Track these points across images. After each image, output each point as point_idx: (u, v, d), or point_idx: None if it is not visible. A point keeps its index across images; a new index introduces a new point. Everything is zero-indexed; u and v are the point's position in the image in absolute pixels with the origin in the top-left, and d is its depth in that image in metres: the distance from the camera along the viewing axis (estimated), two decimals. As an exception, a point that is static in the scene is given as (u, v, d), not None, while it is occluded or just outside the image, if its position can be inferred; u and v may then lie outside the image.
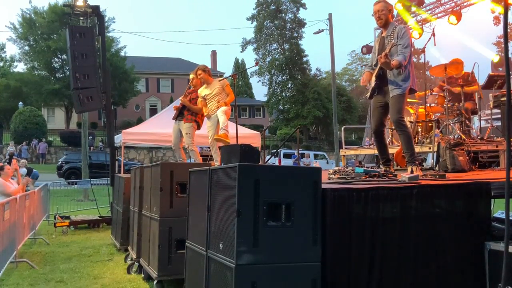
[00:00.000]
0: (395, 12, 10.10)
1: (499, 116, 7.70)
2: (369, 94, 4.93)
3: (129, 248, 6.23)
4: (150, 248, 4.86)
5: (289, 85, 44.18)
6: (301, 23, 44.38)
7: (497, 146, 6.38)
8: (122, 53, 40.28)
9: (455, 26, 9.91)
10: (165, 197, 4.54)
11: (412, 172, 4.46)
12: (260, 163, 6.19)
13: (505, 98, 6.94)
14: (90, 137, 28.31)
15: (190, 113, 7.54)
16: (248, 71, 52.58)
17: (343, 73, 56.34)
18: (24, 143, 30.01)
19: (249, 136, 12.07)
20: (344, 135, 11.45)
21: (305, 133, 42.90)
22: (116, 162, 10.11)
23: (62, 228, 8.72)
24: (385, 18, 4.75)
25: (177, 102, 8.39)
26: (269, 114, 45.53)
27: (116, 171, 9.85)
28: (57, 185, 13.12)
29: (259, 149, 8.45)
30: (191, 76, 7.70)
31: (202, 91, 7.06)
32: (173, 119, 7.71)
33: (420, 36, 10.57)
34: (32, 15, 37.33)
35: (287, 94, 44.32)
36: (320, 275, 2.91)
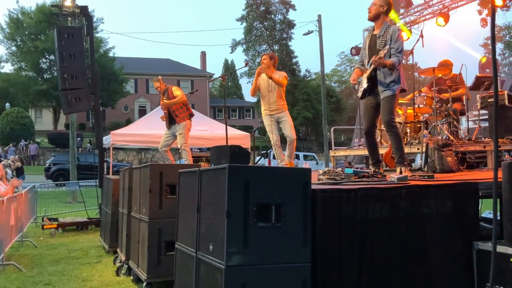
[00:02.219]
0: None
1: (487, 117, 7.80)
2: (360, 94, 4.95)
3: (118, 250, 6.18)
4: (139, 250, 4.83)
5: (279, 86, 44.12)
6: (290, 24, 44.53)
7: (484, 147, 6.45)
8: (111, 54, 40.09)
9: (443, 28, 10.01)
10: (154, 198, 4.52)
11: (401, 172, 4.49)
12: (250, 164, 6.20)
13: (492, 99, 7.02)
14: (78, 139, 28.11)
15: (179, 112, 7.58)
16: (238, 72, 52.64)
17: (332, 74, 56.60)
18: (11, 144, 29.69)
19: (239, 137, 12.08)
20: (333, 136, 11.51)
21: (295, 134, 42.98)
22: (105, 163, 10.05)
23: (50, 230, 8.63)
24: (374, 12, 4.75)
25: (159, 113, 8.46)
26: (259, 115, 45.53)
27: (105, 173, 9.78)
28: (45, 187, 13.01)
29: (249, 150, 8.45)
30: (157, 84, 7.85)
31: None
32: (166, 128, 7.76)
33: (408, 38, 10.66)
34: (20, 16, 36.97)
35: (277, 95, 44.25)
36: (310, 276, 2.91)
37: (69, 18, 9.85)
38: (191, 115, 7.73)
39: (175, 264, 3.76)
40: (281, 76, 6.51)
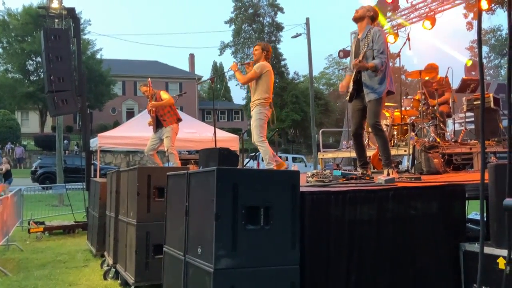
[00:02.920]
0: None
1: (473, 119, 7.88)
2: (348, 97, 4.99)
3: (105, 253, 6.13)
4: (127, 254, 4.79)
5: (268, 89, 44.21)
6: (279, 27, 44.65)
7: (470, 149, 6.52)
8: (98, 56, 39.79)
9: (430, 31, 10.11)
10: (142, 201, 4.49)
11: (388, 174, 4.52)
12: (238, 167, 6.19)
13: (478, 102, 7.11)
14: (65, 141, 27.81)
15: (166, 116, 7.57)
16: (227, 75, 52.55)
17: (320, 77, 56.86)
18: (-4, 147, 29.32)
19: (228, 140, 12.06)
20: (322, 138, 11.55)
21: (284, 137, 43.08)
22: (92, 166, 9.96)
23: (36, 234, 8.52)
24: (360, 13, 4.81)
25: (147, 115, 8.42)
26: (247, 117, 45.58)
27: (92, 176, 9.70)
28: (31, 190, 12.83)
29: (238, 153, 8.44)
30: (144, 88, 7.78)
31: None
32: (153, 132, 7.72)
33: (395, 41, 10.75)
34: (6, 17, 36.51)
35: (266, 98, 44.33)
36: (299, 278, 2.91)
37: (56, 20, 9.77)
38: (179, 119, 7.71)
39: (163, 268, 3.74)
40: (251, 71, 6.02)
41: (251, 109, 6.12)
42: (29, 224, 9.10)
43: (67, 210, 11.11)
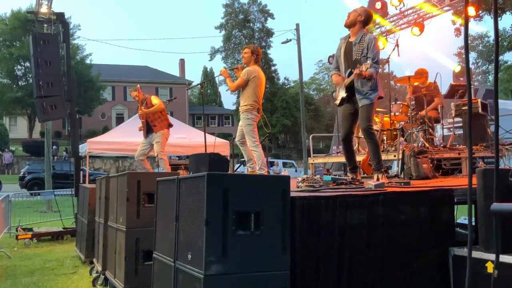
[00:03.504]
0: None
1: (461, 124, 7.95)
2: (338, 101, 5.00)
3: (94, 260, 6.08)
4: (116, 260, 4.75)
5: (258, 94, 44.32)
6: (269, 33, 44.84)
7: (459, 154, 6.58)
8: (88, 61, 39.65)
9: (418, 37, 10.21)
10: (132, 207, 4.45)
11: (378, 179, 4.54)
12: (229, 172, 6.18)
13: (466, 107, 7.17)
14: (54, 147, 27.58)
15: (157, 122, 7.55)
16: (217, 80, 52.55)
17: (310, 82, 57.06)
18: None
19: (218, 145, 12.03)
20: (312, 143, 11.58)
21: (274, 142, 43.14)
22: (81, 172, 9.89)
23: (25, 240, 8.42)
24: (351, 19, 4.83)
25: (137, 121, 8.40)
26: (238, 122, 45.57)
27: (81, 181, 9.63)
28: (19, 196, 12.68)
29: (228, 158, 8.43)
30: (134, 94, 7.77)
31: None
32: (144, 137, 7.70)
33: (384, 47, 10.84)
34: (-6, 22, 36.27)
35: (256, 103, 44.43)
36: (290, 284, 2.91)
37: (45, 25, 9.73)
38: (170, 125, 7.70)
39: (153, 274, 3.71)
40: (243, 73, 6.04)
41: (241, 112, 6.18)
42: (17, 230, 9.00)
43: (56, 216, 11.00)
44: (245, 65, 6.21)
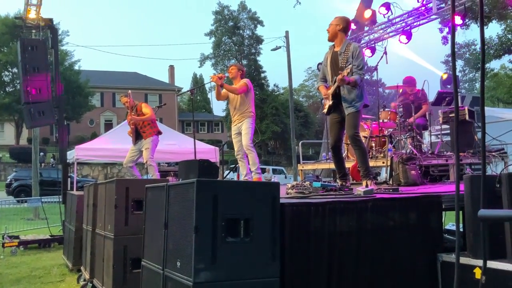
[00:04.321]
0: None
1: (449, 131, 8.02)
2: (326, 110, 5.04)
3: (82, 268, 6.02)
4: (104, 268, 4.70)
5: (248, 101, 44.39)
6: (258, 40, 44.99)
7: (447, 160, 6.64)
8: (76, 67, 39.39)
9: (406, 45, 10.32)
10: (120, 214, 4.42)
11: (367, 186, 4.56)
12: (218, 179, 6.16)
13: (453, 114, 7.24)
14: (41, 153, 27.30)
15: (146, 129, 7.52)
16: (207, 86, 52.60)
17: (300, 89, 57.36)
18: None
19: (208, 151, 12.03)
20: (301, 150, 11.61)
21: (264, 148, 43.17)
22: (69, 179, 9.81)
23: (11, 248, 8.31)
24: (331, 32, 4.90)
25: (125, 127, 8.36)
26: (227, 129, 45.57)
27: (69, 188, 9.54)
28: (6, 203, 12.55)
29: (218, 165, 8.42)
30: (124, 99, 7.72)
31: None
32: (133, 143, 7.65)
33: (372, 55, 10.94)
34: (-19, 27, 35.88)
35: (246, 110, 44.48)
36: (279, 291, 2.90)
37: (33, 31, 9.67)
38: (159, 132, 7.67)
39: (141, 282, 3.68)
40: (239, 83, 6.32)
41: (239, 121, 6.31)
42: (3, 238, 8.88)
43: (43, 223, 10.88)
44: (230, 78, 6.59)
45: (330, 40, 4.97)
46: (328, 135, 5.41)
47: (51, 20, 9.11)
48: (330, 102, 4.91)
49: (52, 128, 37.01)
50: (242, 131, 6.24)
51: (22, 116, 23.87)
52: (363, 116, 7.05)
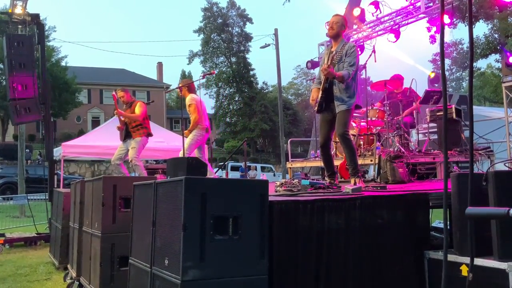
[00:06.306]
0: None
1: (436, 129, 8.09)
2: (317, 108, 5.05)
3: (68, 266, 5.97)
4: (91, 266, 4.66)
5: (236, 98, 44.43)
6: (248, 37, 44.94)
7: (434, 158, 6.69)
8: (63, 63, 38.90)
9: (394, 43, 10.38)
10: (108, 212, 4.38)
11: (355, 183, 4.58)
12: (207, 176, 6.14)
13: (441, 113, 7.32)
14: (27, 150, 26.90)
15: (137, 128, 7.47)
16: (195, 84, 52.30)
17: (289, 87, 57.40)
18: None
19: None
20: (290, 147, 11.62)
21: (252, 146, 43.15)
22: (55, 176, 9.71)
23: (-4, 246, 8.22)
24: (337, 30, 4.91)
25: (113, 124, 8.29)
26: (216, 126, 45.49)
27: (55, 186, 9.45)
28: (-9, 201, 12.39)
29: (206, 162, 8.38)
30: (121, 93, 7.66)
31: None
32: (121, 140, 7.59)
33: (361, 53, 10.99)
34: (-35, 22, 35.34)
35: (234, 107, 44.53)
36: (267, 288, 2.90)
37: (20, 26, 9.53)
38: (149, 134, 7.59)
39: (129, 280, 3.65)
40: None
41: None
42: (-12, 236, 8.77)
43: (29, 221, 10.76)
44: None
45: (331, 37, 5.00)
46: (317, 133, 5.44)
47: (37, 15, 9.00)
48: (319, 98, 4.93)
49: (38, 124, 36.65)
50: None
51: (8, 112, 23.57)
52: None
